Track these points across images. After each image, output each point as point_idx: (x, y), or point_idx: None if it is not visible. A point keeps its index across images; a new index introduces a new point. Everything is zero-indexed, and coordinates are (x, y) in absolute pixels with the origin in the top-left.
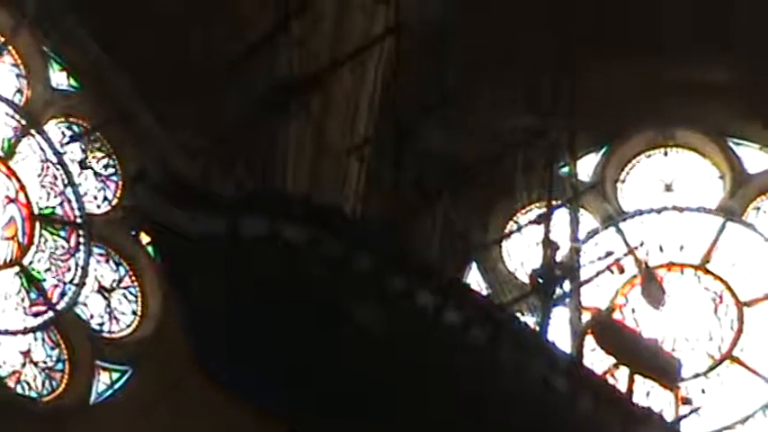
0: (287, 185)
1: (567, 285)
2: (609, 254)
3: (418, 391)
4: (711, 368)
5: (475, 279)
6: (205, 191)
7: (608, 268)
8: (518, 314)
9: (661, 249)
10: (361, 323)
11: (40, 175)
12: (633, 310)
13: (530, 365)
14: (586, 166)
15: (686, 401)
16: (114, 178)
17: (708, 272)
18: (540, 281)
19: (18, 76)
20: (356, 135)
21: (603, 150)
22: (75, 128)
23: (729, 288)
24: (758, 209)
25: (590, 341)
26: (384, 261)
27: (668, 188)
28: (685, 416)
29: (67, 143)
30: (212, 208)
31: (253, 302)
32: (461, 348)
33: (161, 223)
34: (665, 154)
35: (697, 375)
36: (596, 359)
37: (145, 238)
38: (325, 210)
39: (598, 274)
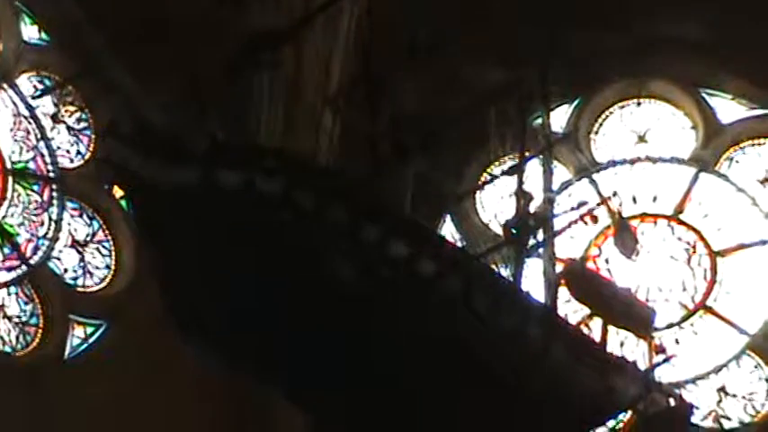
0: (260, 137)
1: (540, 236)
2: (582, 204)
3: (390, 337)
4: (685, 318)
5: (449, 231)
6: (178, 142)
7: (581, 218)
8: (492, 265)
9: (634, 200)
10: (337, 275)
11: (12, 130)
12: (607, 261)
13: (504, 313)
14: (559, 118)
15: (660, 351)
16: (87, 132)
17: (681, 222)
18: (514, 232)
19: None
20: (330, 86)
21: (576, 102)
22: (46, 81)
23: (703, 238)
24: (731, 159)
25: (564, 292)
26: (358, 211)
27: (641, 139)
28: (659, 365)
29: (39, 96)
30: (185, 159)
31: (227, 250)
32: (435, 297)
33: (133, 175)
34: (638, 105)
35: (671, 325)
36: (570, 310)
37: (118, 192)
38: (299, 160)
39: (571, 224)
